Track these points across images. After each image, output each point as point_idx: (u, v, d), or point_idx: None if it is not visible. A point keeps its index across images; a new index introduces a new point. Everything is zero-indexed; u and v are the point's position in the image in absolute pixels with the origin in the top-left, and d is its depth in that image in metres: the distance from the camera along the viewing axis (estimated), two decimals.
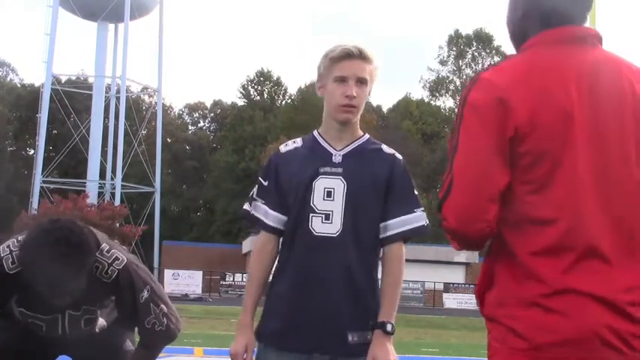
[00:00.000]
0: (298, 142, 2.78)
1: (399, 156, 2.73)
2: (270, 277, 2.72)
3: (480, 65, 61.69)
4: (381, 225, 2.65)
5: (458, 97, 66.06)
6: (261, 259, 2.69)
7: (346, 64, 2.62)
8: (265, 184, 2.72)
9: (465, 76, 61.36)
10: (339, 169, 2.65)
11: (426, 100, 62.38)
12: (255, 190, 2.76)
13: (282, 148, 2.76)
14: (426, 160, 55.30)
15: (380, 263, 2.69)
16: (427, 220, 2.70)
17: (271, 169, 2.72)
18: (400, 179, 2.68)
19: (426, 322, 25.40)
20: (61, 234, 2.69)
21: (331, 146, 2.69)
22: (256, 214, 2.71)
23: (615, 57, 1.91)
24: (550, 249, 1.76)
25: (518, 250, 1.79)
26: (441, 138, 59.58)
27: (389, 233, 2.65)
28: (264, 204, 2.70)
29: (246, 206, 2.77)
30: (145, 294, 3.00)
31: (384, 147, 2.75)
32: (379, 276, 2.69)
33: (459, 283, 38.26)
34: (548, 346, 1.73)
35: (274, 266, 2.71)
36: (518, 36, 1.99)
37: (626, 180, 1.80)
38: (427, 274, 37.46)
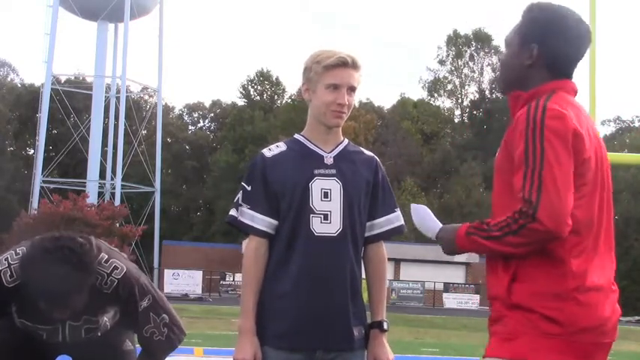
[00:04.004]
0: (282, 145, 2.78)
1: (377, 158, 2.84)
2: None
3: (479, 65, 61.70)
4: (368, 224, 2.75)
5: (456, 97, 65.46)
6: (257, 263, 2.68)
7: (340, 72, 2.66)
8: (250, 189, 2.71)
9: (463, 76, 61.29)
10: (333, 171, 2.70)
11: (426, 100, 62.30)
12: (239, 195, 2.73)
13: (267, 153, 2.74)
14: (426, 160, 55.26)
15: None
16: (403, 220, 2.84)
17: (257, 173, 2.71)
18: (383, 180, 2.79)
19: (426, 322, 25.45)
20: (62, 254, 2.66)
21: (320, 149, 2.73)
22: (243, 220, 2.70)
23: None
24: (581, 253, 2.17)
25: (557, 253, 2.14)
26: (440, 138, 59.55)
27: (376, 231, 2.77)
28: (250, 209, 2.69)
29: (232, 212, 2.74)
30: (145, 303, 2.98)
31: (364, 150, 2.85)
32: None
33: (459, 283, 38.25)
34: (581, 331, 2.11)
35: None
36: (517, 81, 2.33)
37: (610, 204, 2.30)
38: (427, 274, 37.48)
